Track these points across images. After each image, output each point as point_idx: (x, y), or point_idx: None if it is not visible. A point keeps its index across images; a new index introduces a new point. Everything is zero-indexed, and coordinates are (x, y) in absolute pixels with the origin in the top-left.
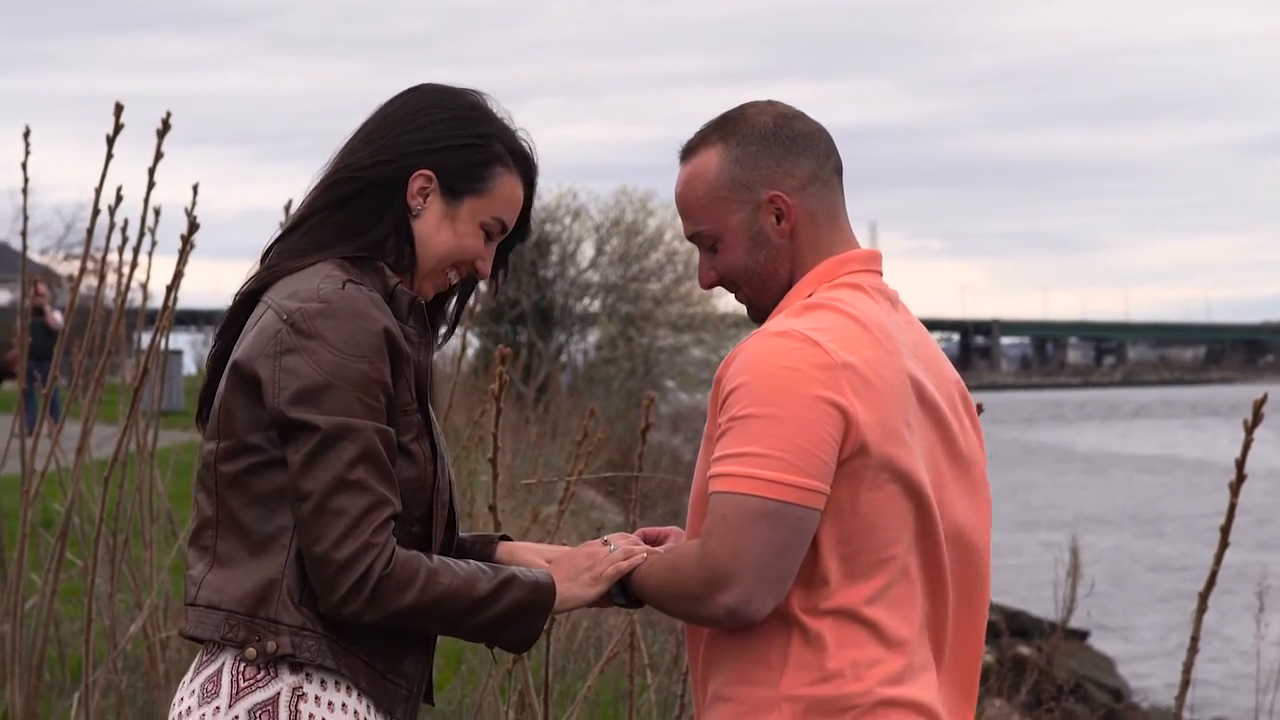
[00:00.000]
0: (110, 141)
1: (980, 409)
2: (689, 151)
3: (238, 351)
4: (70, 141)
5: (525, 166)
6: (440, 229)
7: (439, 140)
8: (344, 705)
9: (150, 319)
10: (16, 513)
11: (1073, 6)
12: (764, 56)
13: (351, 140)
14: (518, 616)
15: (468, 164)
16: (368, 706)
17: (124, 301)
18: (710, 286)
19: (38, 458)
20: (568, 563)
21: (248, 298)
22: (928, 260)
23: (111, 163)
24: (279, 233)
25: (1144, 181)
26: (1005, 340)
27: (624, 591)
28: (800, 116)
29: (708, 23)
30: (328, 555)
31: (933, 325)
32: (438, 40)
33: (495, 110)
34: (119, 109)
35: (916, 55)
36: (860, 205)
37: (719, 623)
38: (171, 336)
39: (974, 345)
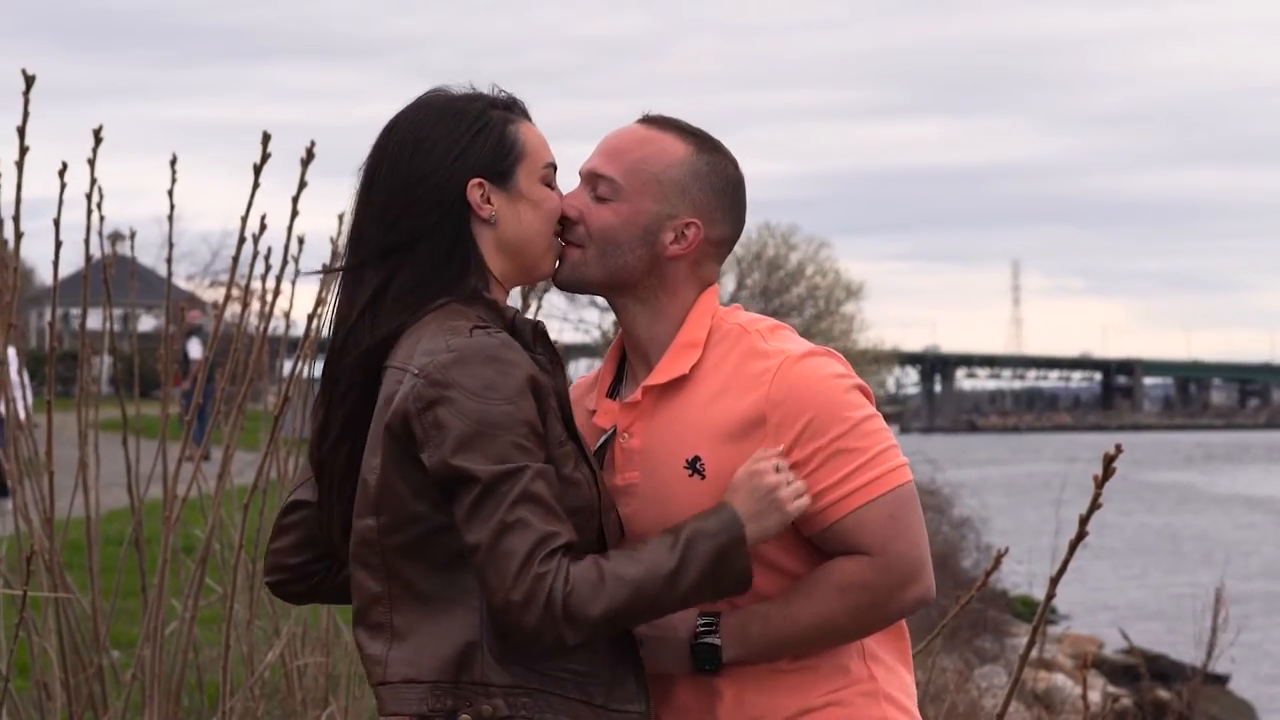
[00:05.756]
0: (257, 170)
1: (1119, 451)
2: (664, 124)
3: (386, 417)
4: (217, 170)
5: (521, 110)
6: (519, 214)
7: (455, 146)
8: None
9: (293, 347)
10: (158, 538)
11: (1208, 46)
12: (899, 92)
13: (365, 193)
14: (719, 565)
15: (492, 145)
16: None
17: (267, 329)
18: (559, 217)
19: (179, 483)
20: (745, 493)
21: (366, 357)
22: (1069, 299)
23: (258, 191)
24: (365, 299)
25: None
26: (1148, 380)
27: (711, 654)
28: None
29: (844, 57)
30: (507, 600)
31: (1075, 364)
32: (574, 73)
33: (456, 91)
34: (266, 138)
35: (1053, 92)
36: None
37: (902, 616)
38: (315, 365)
39: (1116, 385)
